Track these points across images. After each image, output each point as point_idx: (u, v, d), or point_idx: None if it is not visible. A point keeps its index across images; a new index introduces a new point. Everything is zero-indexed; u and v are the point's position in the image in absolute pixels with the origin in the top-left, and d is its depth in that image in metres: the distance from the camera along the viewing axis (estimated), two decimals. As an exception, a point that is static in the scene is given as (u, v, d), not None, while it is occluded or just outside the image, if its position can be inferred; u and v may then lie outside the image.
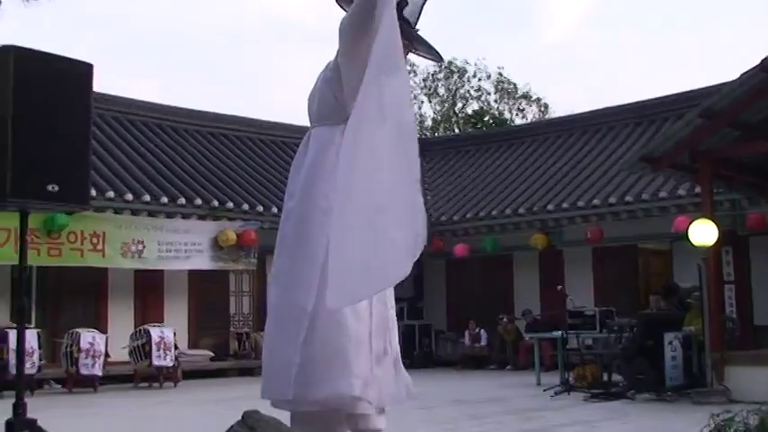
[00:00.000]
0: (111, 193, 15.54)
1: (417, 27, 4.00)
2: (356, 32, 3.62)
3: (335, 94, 3.79)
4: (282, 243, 3.89)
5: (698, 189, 14.34)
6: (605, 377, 13.08)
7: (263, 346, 3.80)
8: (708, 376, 11.43)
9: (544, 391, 12.77)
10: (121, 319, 16.90)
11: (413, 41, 3.93)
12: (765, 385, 10.77)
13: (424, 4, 3.94)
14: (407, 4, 3.84)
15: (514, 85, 38.20)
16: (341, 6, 3.93)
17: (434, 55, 4.22)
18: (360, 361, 3.55)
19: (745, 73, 11.08)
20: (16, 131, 4.25)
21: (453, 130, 35.28)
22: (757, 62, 10.88)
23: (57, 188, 4.40)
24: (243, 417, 3.19)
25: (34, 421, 4.50)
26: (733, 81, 11.67)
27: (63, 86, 4.49)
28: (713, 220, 11.63)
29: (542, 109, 38.14)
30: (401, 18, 3.79)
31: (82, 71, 4.60)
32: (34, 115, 4.34)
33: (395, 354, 3.82)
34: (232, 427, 3.19)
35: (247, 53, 59.27)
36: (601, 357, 13.53)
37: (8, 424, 4.44)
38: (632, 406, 11.00)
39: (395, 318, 3.92)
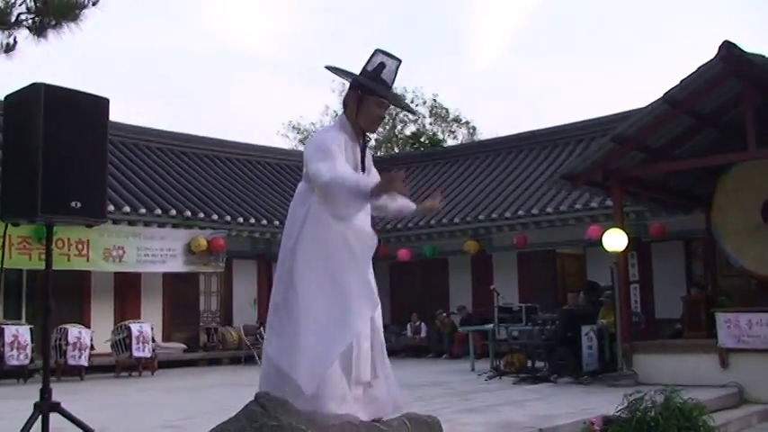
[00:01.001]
0: (95, 205, 15.50)
1: (394, 86, 4.23)
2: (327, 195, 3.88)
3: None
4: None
5: (609, 202, 14.75)
6: (530, 364, 13.38)
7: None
8: (618, 362, 11.69)
9: (478, 376, 13.01)
10: (103, 316, 16.87)
11: (391, 100, 4.16)
12: (667, 370, 11.14)
13: (398, 67, 4.15)
14: (385, 66, 4.05)
15: (446, 109, 38.49)
16: (338, 75, 4.17)
17: (408, 109, 4.59)
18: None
19: (651, 104, 11.45)
20: (45, 157, 4.39)
21: (394, 150, 35.53)
22: (660, 95, 11.29)
23: (79, 204, 4.54)
24: (255, 397, 3.35)
25: (58, 404, 4.63)
26: (640, 110, 12.06)
27: (84, 117, 4.62)
28: (623, 230, 12.00)
29: (471, 131, 38.50)
30: (380, 80, 4.02)
31: (100, 104, 4.74)
32: (59, 142, 4.47)
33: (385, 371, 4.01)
34: (247, 405, 3.34)
35: (205, 78, 58.90)
36: (526, 347, 13.81)
37: (36, 406, 4.56)
38: (555, 388, 11.23)
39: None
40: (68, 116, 4.53)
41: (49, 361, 4.89)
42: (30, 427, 4.43)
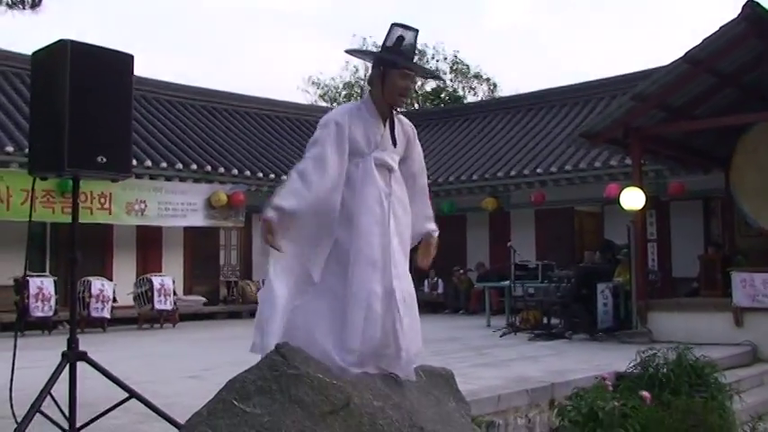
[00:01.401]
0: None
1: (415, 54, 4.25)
2: None
3: None
4: None
5: (628, 161, 14.75)
6: (545, 320, 13.52)
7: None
8: (633, 320, 11.85)
9: (494, 332, 13.14)
10: (125, 269, 17.11)
11: (414, 70, 4.17)
12: (681, 328, 11.24)
13: (416, 38, 4.16)
14: (404, 39, 4.07)
15: (467, 66, 38.28)
16: (359, 57, 4.18)
17: (434, 75, 4.54)
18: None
19: (672, 63, 11.42)
20: (71, 112, 4.47)
21: (414, 106, 35.46)
22: (681, 53, 11.25)
23: (105, 159, 4.63)
24: (276, 347, 3.47)
25: (85, 353, 4.77)
26: (660, 69, 12.02)
27: (109, 73, 4.68)
28: (641, 188, 12.02)
29: (491, 87, 38.27)
30: (401, 53, 4.06)
31: (125, 60, 4.80)
32: (86, 98, 4.54)
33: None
34: (268, 354, 3.46)
35: (228, 33, 58.74)
36: (542, 304, 13.93)
37: (64, 355, 4.70)
38: (569, 344, 11.38)
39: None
40: (94, 72, 4.59)
41: (76, 312, 5.00)
42: (58, 375, 4.58)
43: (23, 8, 6.12)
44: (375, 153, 3.98)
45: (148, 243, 17.80)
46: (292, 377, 3.34)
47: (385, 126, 4.06)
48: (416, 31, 4.10)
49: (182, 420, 4.86)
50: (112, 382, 4.76)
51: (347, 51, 4.31)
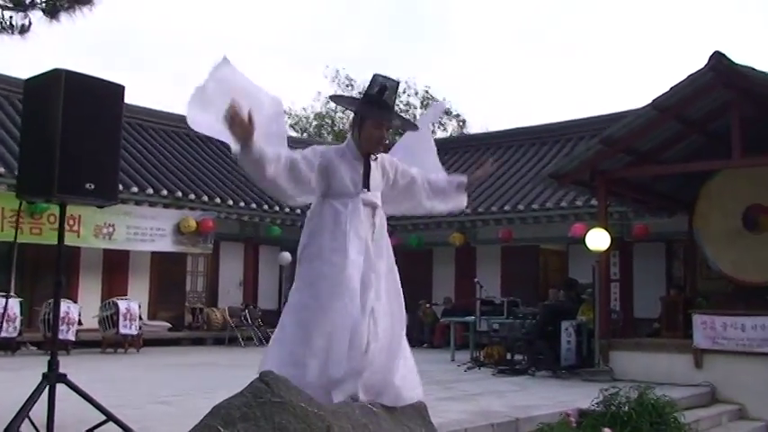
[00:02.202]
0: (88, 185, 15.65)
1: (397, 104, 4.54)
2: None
3: None
4: None
5: (593, 201, 15.07)
6: (509, 356, 13.69)
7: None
8: (596, 358, 12.02)
9: (458, 366, 13.25)
10: (90, 292, 17.06)
11: (387, 121, 4.44)
12: (642, 367, 11.46)
13: (397, 88, 4.44)
14: (386, 89, 4.34)
15: (438, 101, 38.69)
16: (341, 104, 4.53)
17: (411, 125, 4.92)
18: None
19: (641, 109, 11.76)
20: (63, 140, 4.60)
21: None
22: (649, 99, 11.59)
23: (93, 186, 4.76)
24: (260, 375, 3.60)
25: (65, 375, 4.86)
26: (629, 114, 12.36)
27: (100, 103, 4.82)
28: (607, 230, 12.29)
29: (461, 124, 38.73)
30: (382, 103, 4.32)
31: (116, 90, 4.95)
32: (77, 126, 4.66)
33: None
34: (252, 383, 3.59)
35: (199, 61, 58.88)
36: (506, 339, 14.08)
37: (44, 376, 4.79)
38: (533, 380, 11.52)
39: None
40: (86, 101, 4.73)
41: (58, 334, 5.10)
42: (38, 397, 4.66)
43: (12, 33, 6.23)
44: (363, 195, 4.32)
45: (115, 267, 17.79)
46: (276, 405, 3.48)
47: (359, 169, 4.37)
48: (397, 82, 4.38)
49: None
50: (91, 405, 4.85)
51: (331, 98, 4.58)
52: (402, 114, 4.91)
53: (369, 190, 4.36)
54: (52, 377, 4.78)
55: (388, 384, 4.23)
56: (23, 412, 4.54)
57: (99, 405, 4.86)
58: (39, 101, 4.80)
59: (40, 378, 4.80)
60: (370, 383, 4.15)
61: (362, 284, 4.19)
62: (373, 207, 4.38)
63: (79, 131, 4.69)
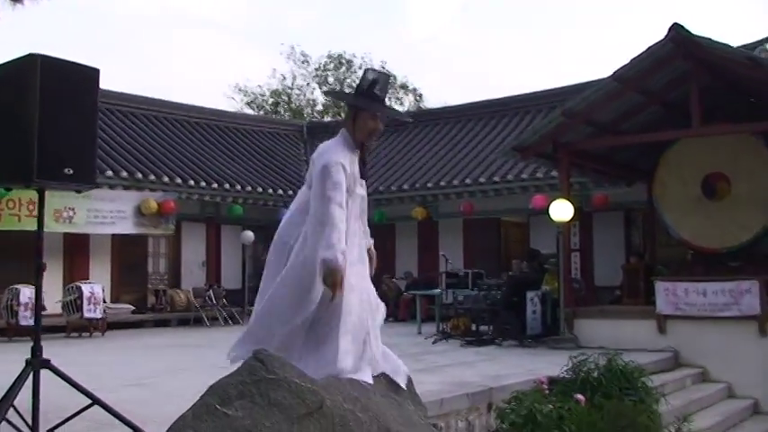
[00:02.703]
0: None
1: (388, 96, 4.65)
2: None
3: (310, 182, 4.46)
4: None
5: (553, 173, 15.29)
6: (474, 328, 13.89)
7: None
8: (561, 327, 12.28)
9: (425, 338, 13.42)
10: (52, 277, 16.84)
11: (381, 114, 4.56)
12: (607, 334, 11.74)
13: (388, 82, 4.58)
14: (377, 83, 4.45)
15: (394, 76, 38.69)
16: (336, 98, 4.62)
17: (401, 119, 5.05)
18: None
19: (601, 81, 11.95)
20: (41, 125, 4.58)
21: (341, 116, 35.73)
22: (608, 71, 11.79)
23: (71, 171, 4.75)
24: (254, 353, 3.67)
25: (48, 361, 4.88)
26: (589, 86, 12.55)
27: (75, 87, 4.79)
28: (569, 201, 12.50)
29: (417, 98, 38.81)
30: (374, 96, 4.43)
31: (91, 74, 4.92)
32: (53, 111, 4.63)
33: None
34: (246, 361, 3.66)
35: (152, 38, 58.07)
36: (471, 311, 14.30)
37: (28, 362, 4.80)
38: (500, 350, 11.75)
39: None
40: (62, 86, 4.69)
41: (40, 320, 5.11)
42: (23, 383, 4.66)
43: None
44: (357, 189, 4.51)
45: (76, 250, 17.62)
46: (271, 381, 3.55)
47: (357, 161, 4.52)
48: (389, 75, 4.52)
49: (144, 428, 5.02)
50: (76, 390, 4.87)
51: (326, 93, 4.72)
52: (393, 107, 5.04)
53: (365, 179, 4.56)
54: (36, 363, 4.79)
55: (387, 359, 4.60)
56: (9, 399, 4.55)
57: (84, 389, 4.89)
58: (14, 86, 4.75)
59: (8, 365, 4.79)
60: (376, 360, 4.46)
61: (362, 276, 4.48)
62: (363, 197, 4.60)
63: (56, 116, 4.66)
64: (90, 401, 4.89)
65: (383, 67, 38.18)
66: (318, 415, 3.62)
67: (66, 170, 4.73)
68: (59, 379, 4.86)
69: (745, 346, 11.08)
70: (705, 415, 9.42)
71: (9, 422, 4.59)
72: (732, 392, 10.99)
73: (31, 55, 4.67)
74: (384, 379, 4.44)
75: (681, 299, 11.46)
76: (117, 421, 5.00)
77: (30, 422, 4.76)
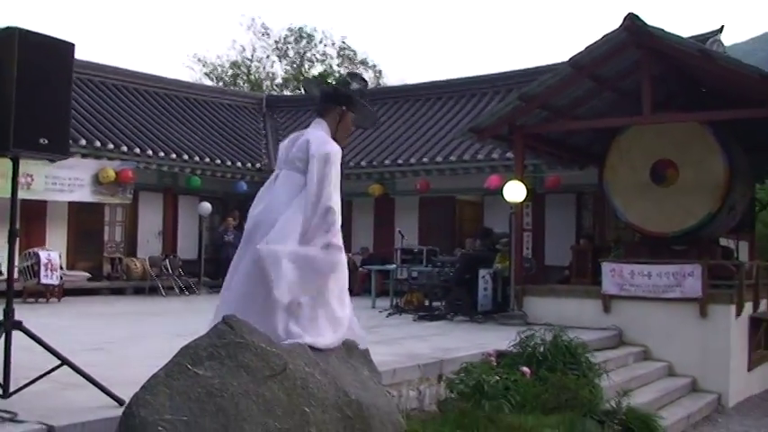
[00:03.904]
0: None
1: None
2: None
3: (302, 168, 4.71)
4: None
5: (508, 154, 15.65)
6: (427, 303, 14.25)
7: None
8: (510, 304, 12.66)
9: (379, 312, 13.70)
10: (5, 242, 16.84)
11: (372, 124, 4.86)
12: (554, 312, 12.14)
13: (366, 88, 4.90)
14: (365, 91, 4.72)
15: (354, 51, 38.85)
16: (309, 91, 4.85)
17: (371, 124, 5.25)
18: None
19: (557, 66, 12.29)
20: (18, 96, 4.75)
21: (301, 90, 35.79)
22: (560, 56, 12.12)
23: (46, 141, 4.93)
24: (223, 318, 3.92)
25: (20, 322, 5.08)
26: (543, 69, 12.88)
27: (51, 60, 4.95)
28: (523, 182, 12.85)
29: (377, 75, 39.00)
30: (362, 104, 4.70)
31: (66, 48, 5.09)
32: (30, 83, 4.79)
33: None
34: (216, 325, 3.91)
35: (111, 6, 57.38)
36: (424, 287, 14.66)
37: (0, 324, 4.99)
38: (452, 325, 12.07)
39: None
40: (39, 59, 4.86)
41: (13, 282, 5.29)
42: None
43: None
44: None
45: (33, 217, 17.59)
46: (239, 345, 3.82)
47: None
48: (367, 83, 4.78)
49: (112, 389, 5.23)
50: (47, 351, 5.08)
51: (304, 85, 5.01)
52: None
53: None
54: (8, 324, 4.98)
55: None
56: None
57: (55, 351, 5.09)
58: (-9, 58, 4.91)
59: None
60: None
61: None
62: None
63: (32, 88, 4.83)
64: (59, 362, 5.10)
65: (343, 42, 38.33)
66: (282, 377, 3.89)
67: (41, 140, 4.91)
68: (20, 341, 5.04)
69: (685, 327, 11.56)
70: (645, 391, 9.86)
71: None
72: (672, 371, 11.46)
73: (9, 28, 4.82)
74: (342, 346, 4.71)
75: (626, 280, 11.91)
76: (82, 382, 5.21)
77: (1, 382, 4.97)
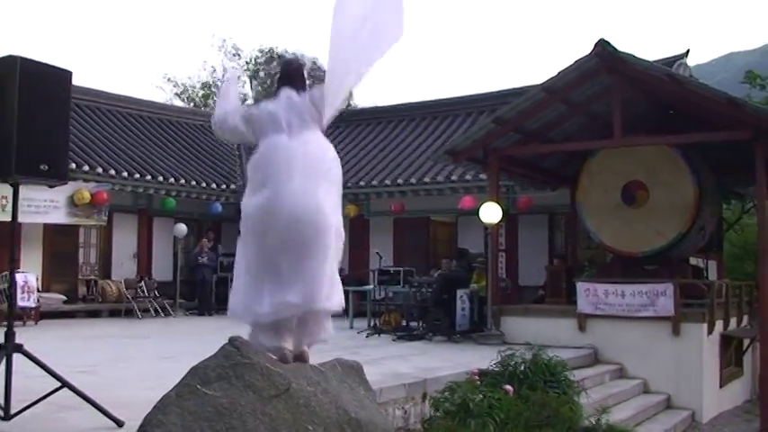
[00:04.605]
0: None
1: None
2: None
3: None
4: None
5: (482, 175, 15.87)
6: (404, 323, 14.38)
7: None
8: (488, 323, 12.81)
9: (358, 333, 13.77)
10: (-19, 265, 16.77)
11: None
12: (531, 331, 12.30)
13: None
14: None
15: (324, 72, 38.92)
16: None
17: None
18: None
19: (530, 90, 12.56)
20: (19, 123, 4.85)
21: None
22: (538, 80, 12.39)
23: (46, 167, 5.04)
24: (229, 340, 4.04)
25: (21, 345, 5.15)
26: (519, 93, 13.15)
27: (50, 88, 5.06)
28: (498, 203, 13.05)
29: (348, 96, 39.16)
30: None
31: (64, 76, 5.21)
32: (31, 110, 4.91)
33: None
34: (223, 346, 4.03)
35: (82, 26, 57.20)
36: (401, 307, 14.79)
37: (1, 347, 5.06)
38: (430, 345, 12.20)
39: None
40: (38, 86, 4.97)
41: (15, 303, 5.37)
42: (-3, 366, 4.93)
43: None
44: None
45: (5, 239, 17.48)
46: (246, 365, 3.94)
47: None
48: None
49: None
50: (47, 373, 5.15)
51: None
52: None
53: None
54: (9, 347, 5.05)
55: None
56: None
57: (55, 373, 5.16)
58: (-9, 85, 5.01)
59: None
60: None
61: None
62: None
63: (32, 115, 4.93)
64: (59, 384, 5.18)
65: (314, 62, 38.48)
66: (286, 396, 4.02)
67: (41, 166, 5.02)
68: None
69: (659, 345, 11.80)
70: (622, 408, 10.06)
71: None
72: (647, 388, 11.69)
73: (10, 56, 4.93)
74: (339, 366, 4.84)
75: (601, 299, 12.14)
76: (76, 404, 5.29)
77: (2, 404, 5.04)
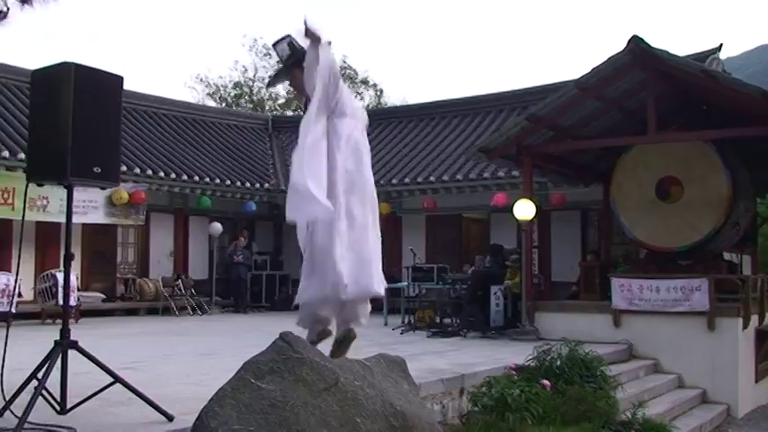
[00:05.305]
0: (21, 155, 15.72)
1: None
2: None
3: None
4: None
5: (514, 172, 15.95)
6: (438, 320, 14.49)
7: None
8: (522, 319, 12.90)
9: (393, 330, 13.90)
10: (26, 264, 17.07)
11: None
12: (565, 327, 12.32)
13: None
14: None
15: (355, 71, 39.17)
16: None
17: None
18: None
19: (564, 87, 12.60)
20: (74, 128, 5.03)
21: (303, 110, 36.02)
22: (570, 77, 12.43)
23: (99, 170, 5.21)
24: (280, 335, 4.19)
25: (76, 342, 5.34)
26: (551, 90, 13.19)
27: (103, 93, 5.24)
28: (532, 200, 13.12)
29: (378, 93, 39.33)
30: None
31: (116, 81, 5.39)
32: (85, 115, 5.07)
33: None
34: (275, 342, 4.18)
35: (113, 25, 57.75)
36: (434, 304, 14.89)
37: (57, 343, 5.25)
38: (465, 341, 12.30)
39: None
40: (92, 91, 5.14)
41: (68, 305, 5.55)
42: (54, 362, 5.11)
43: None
44: None
45: (47, 239, 17.83)
46: (297, 360, 4.08)
47: None
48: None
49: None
50: (100, 369, 5.34)
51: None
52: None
53: None
54: (65, 344, 5.24)
55: None
56: (43, 378, 4.97)
57: (108, 369, 5.34)
58: (48, 91, 5.18)
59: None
60: None
61: None
62: None
63: (86, 119, 5.10)
64: (111, 380, 5.36)
65: (344, 61, 38.69)
66: (335, 390, 4.16)
67: (95, 169, 5.19)
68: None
69: (694, 340, 11.81)
70: (658, 402, 10.09)
71: (43, 396, 5.03)
72: (682, 383, 11.71)
73: (65, 63, 5.11)
74: (383, 361, 4.97)
75: (635, 295, 12.17)
76: (126, 399, 5.47)
77: (58, 398, 5.23)
